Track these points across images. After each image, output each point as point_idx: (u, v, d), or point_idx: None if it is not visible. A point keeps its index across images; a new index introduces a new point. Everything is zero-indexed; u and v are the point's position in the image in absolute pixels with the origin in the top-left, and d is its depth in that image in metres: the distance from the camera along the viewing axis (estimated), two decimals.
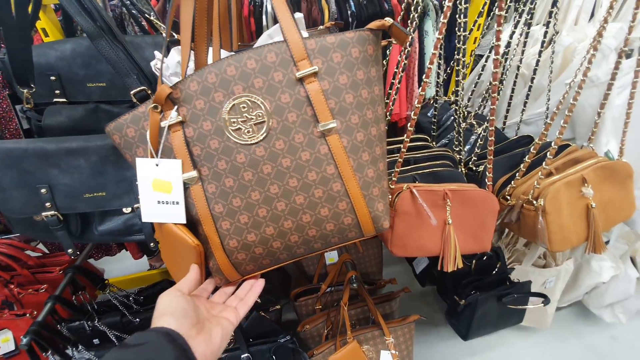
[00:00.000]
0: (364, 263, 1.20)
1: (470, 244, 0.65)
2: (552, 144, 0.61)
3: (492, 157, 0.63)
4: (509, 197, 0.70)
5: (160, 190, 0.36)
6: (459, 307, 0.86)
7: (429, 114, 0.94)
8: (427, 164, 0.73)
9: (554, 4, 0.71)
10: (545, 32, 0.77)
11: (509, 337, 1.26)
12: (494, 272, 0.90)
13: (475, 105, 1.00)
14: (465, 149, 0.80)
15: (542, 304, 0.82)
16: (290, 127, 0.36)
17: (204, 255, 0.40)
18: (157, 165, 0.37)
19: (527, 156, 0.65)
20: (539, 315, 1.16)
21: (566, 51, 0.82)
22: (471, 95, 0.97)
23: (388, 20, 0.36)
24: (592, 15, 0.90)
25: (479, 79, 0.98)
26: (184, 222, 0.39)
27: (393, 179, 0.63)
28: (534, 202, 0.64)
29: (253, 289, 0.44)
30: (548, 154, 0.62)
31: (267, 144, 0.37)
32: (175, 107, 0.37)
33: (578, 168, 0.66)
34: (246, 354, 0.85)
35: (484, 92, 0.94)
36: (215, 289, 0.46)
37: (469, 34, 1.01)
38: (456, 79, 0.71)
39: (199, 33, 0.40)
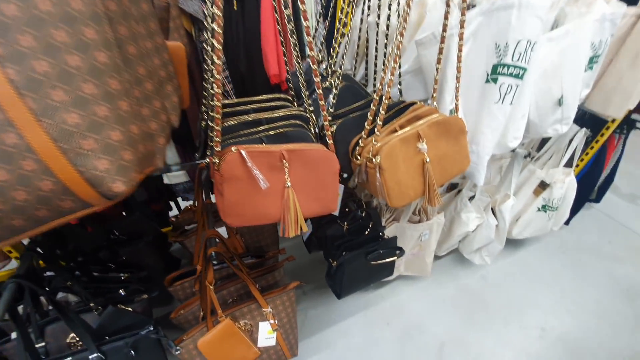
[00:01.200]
0: (258, 236, 1.16)
1: (314, 207, 0.63)
2: (382, 98, 0.59)
3: (325, 112, 0.59)
4: (359, 157, 0.69)
5: None
6: (332, 269, 0.88)
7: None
8: (278, 124, 0.68)
9: None
10: None
11: (399, 288, 1.38)
12: (366, 232, 0.92)
13: (349, 66, 0.97)
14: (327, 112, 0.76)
15: (396, 257, 0.88)
16: None
17: None
18: None
19: (368, 113, 0.64)
20: (420, 265, 1.28)
21: (420, 7, 0.82)
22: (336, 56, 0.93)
23: None
24: None
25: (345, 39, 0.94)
26: None
27: (215, 139, 0.56)
28: (373, 159, 0.63)
29: None
30: (380, 109, 0.60)
31: None
32: None
33: (416, 124, 0.67)
34: (95, 354, 0.75)
35: (355, 52, 0.90)
36: None
37: None
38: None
39: None
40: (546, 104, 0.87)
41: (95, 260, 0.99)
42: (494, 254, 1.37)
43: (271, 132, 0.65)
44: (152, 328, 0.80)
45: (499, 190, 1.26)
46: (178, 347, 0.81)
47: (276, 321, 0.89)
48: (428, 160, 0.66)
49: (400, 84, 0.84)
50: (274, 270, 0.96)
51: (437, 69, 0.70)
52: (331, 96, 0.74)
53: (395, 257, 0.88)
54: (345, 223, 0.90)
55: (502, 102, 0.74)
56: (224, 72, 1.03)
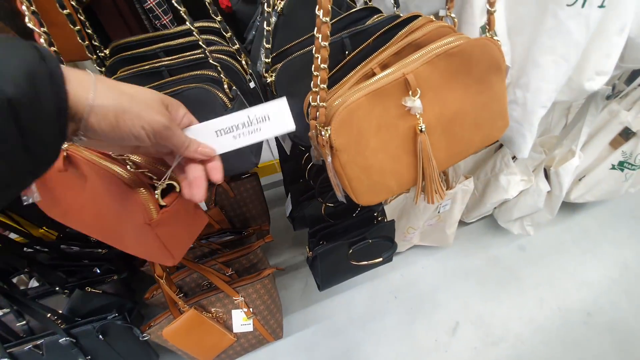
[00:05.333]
0: (240, 208, 1.01)
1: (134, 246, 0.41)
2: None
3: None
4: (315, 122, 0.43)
5: None
6: (309, 259, 0.70)
7: None
8: (182, 76, 0.43)
9: None
10: None
11: (413, 256, 1.19)
12: (354, 214, 0.70)
13: None
14: (264, 48, 0.48)
15: (381, 259, 0.66)
16: None
17: None
18: None
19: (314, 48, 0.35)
20: (439, 236, 1.06)
21: None
22: None
23: None
24: None
25: None
26: None
27: None
28: (322, 131, 0.38)
29: None
30: (320, 38, 0.32)
31: None
32: None
33: (406, 61, 0.37)
34: (64, 338, 0.72)
35: None
36: None
37: None
38: None
39: None
40: None
41: (73, 236, 0.94)
42: (540, 223, 1.07)
43: (168, 91, 0.41)
44: (116, 314, 0.74)
45: (561, 144, 0.90)
46: (145, 334, 0.75)
47: (251, 309, 0.79)
48: (423, 127, 0.38)
49: None
50: (248, 254, 0.82)
51: None
52: (272, 19, 0.45)
53: (380, 259, 0.66)
54: (324, 205, 0.68)
55: (584, 4, 0.39)
56: None
